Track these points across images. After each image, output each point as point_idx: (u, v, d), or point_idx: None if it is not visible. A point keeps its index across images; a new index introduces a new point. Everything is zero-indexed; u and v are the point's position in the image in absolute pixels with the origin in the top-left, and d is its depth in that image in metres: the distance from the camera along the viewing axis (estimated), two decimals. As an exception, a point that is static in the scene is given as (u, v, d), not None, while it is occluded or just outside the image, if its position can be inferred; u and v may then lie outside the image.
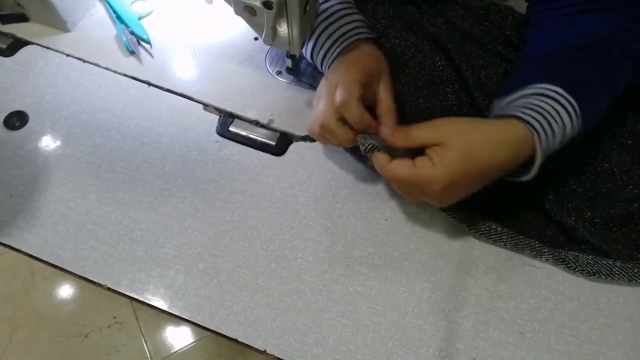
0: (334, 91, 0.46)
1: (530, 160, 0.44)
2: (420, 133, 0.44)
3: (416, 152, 0.44)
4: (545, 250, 0.50)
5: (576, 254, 0.50)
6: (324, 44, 0.51)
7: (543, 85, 0.44)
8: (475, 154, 0.42)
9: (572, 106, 0.43)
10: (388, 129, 0.45)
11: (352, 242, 0.52)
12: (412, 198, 0.48)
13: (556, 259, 0.50)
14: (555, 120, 0.43)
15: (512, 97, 0.46)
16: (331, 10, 0.51)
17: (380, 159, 0.45)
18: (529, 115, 0.43)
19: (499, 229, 0.50)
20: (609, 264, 0.49)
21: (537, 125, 0.42)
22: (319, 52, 0.51)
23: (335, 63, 0.49)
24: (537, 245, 0.50)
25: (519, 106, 0.44)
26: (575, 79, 0.46)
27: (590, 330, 0.48)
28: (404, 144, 0.44)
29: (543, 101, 0.44)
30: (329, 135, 0.48)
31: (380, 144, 0.45)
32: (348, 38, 0.50)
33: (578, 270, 0.49)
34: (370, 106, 0.48)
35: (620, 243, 0.50)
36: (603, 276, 0.49)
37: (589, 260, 0.49)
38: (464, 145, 0.42)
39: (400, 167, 0.43)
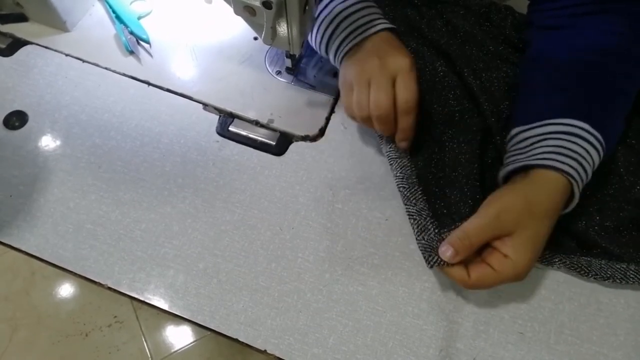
0: (388, 75, 0.46)
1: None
2: (481, 233, 0.43)
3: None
4: (557, 260, 0.49)
5: (589, 259, 0.49)
6: (344, 30, 0.50)
7: (568, 122, 0.45)
8: (542, 228, 0.43)
9: (599, 142, 0.45)
10: (451, 252, 0.43)
11: (352, 242, 0.52)
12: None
13: (568, 267, 0.49)
14: (587, 162, 0.44)
15: (537, 132, 0.46)
16: (347, 3, 0.50)
17: (458, 276, 0.44)
18: (565, 164, 0.43)
19: None
20: (622, 267, 0.48)
21: (574, 174, 0.43)
22: (336, 39, 0.50)
23: (371, 40, 0.48)
24: (547, 255, 0.49)
25: (549, 151, 0.44)
26: (595, 108, 0.46)
27: (590, 331, 0.48)
28: (470, 251, 0.43)
29: (573, 142, 0.44)
30: (388, 124, 0.47)
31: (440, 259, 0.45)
32: (374, 26, 0.49)
33: (592, 276, 0.49)
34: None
35: (631, 247, 0.49)
36: (617, 280, 0.48)
37: (602, 265, 0.49)
38: (531, 227, 0.42)
39: (484, 278, 0.43)
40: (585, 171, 0.44)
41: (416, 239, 0.47)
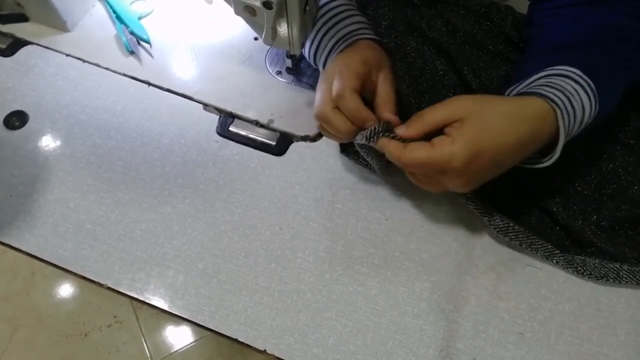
0: (331, 81, 0.46)
1: (547, 147, 0.43)
2: (436, 113, 0.42)
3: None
4: (558, 252, 0.50)
5: (583, 257, 0.50)
6: (327, 44, 0.50)
7: (560, 67, 0.43)
8: (496, 128, 0.40)
9: (590, 87, 0.42)
10: (402, 128, 0.43)
11: (352, 242, 0.52)
12: (433, 188, 0.45)
13: (567, 262, 0.49)
14: (575, 99, 0.41)
15: (529, 80, 0.45)
16: (334, 12, 0.51)
17: (393, 146, 0.42)
18: (550, 92, 0.41)
19: (517, 227, 0.50)
20: (616, 267, 0.49)
21: (558, 101, 0.41)
22: (322, 53, 0.51)
23: (335, 57, 0.49)
24: (549, 247, 0.50)
25: (537, 86, 0.43)
26: (589, 63, 0.44)
27: (590, 331, 0.48)
28: (421, 129, 0.42)
29: (562, 80, 0.42)
30: (327, 125, 0.46)
31: (382, 128, 0.43)
32: (351, 37, 0.49)
33: (586, 275, 0.49)
34: (370, 100, 0.48)
35: (626, 246, 0.50)
36: (611, 280, 0.48)
37: (596, 264, 0.49)
38: (484, 118, 0.40)
39: (418, 150, 0.41)
40: (572, 105, 0.41)
41: (359, 136, 0.45)
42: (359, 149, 0.50)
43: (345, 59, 0.47)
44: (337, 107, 0.46)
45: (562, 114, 0.41)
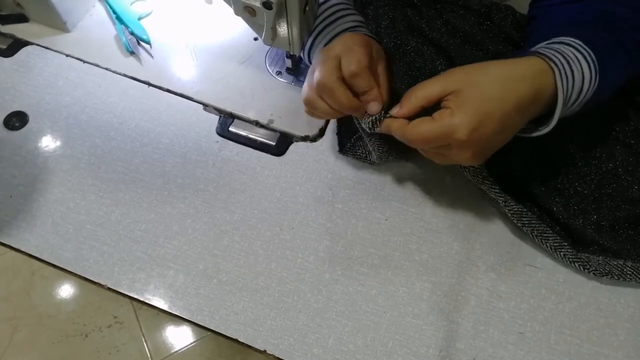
0: (334, 59, 0.44)
1: (542, 118, 0.42)
2: (427, 88, 0.41)
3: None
4: (566, 244, 0.50)
5: (587, 255, 0.50)
6: (321, 42, 0.50)
7: (561, 37, 0.42)
8: (494, 92, 0.38)
9: (591, 57, 0.41)
10: (396, 106, 0.42)
11: (352, 242, 0.52)
12: (442, 160, 0.44)
13: (574, 256, 0.50)
14: (575, 65, 0.40)
15: (528, 50, 0.44)
16: (330, 11, 0.51)
17: (396, 124, 0.42)
18: (548, 52, 0.40)
19: (530, 214, 0.50)
20: (619, 264, 0.49)
21: (557, 60, 0.39)
22: (315, 50, 0.51)
23: (333, 41, 0.48)
24: (559, 239, 0.50)
25: (537, 48, 0.42)
26: (590, 38, 0.43)
27: (590, 331, 0.48)
28: (414, 105, 0.41)
29: (562, 46, 0.41)
30: (328, 96, 0.45)
31: (384, 112, 0.44)
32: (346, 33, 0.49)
33: (592, 271, 0.49)
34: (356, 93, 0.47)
35: (628, 244, 0.50)
36: (615, 277, 0.49)
37: (600, 261, 0.49)
38: (479, 85, 0.39)
39: (420, 125, 0.40)
40: (572, 69, 0.40)
41: (361, 121, 0.45)
42: (364, 136, 0.50)
43: (351, 44, 0.45)
44: (339, 77, 0.44)
45: (559, 73, 0.39)
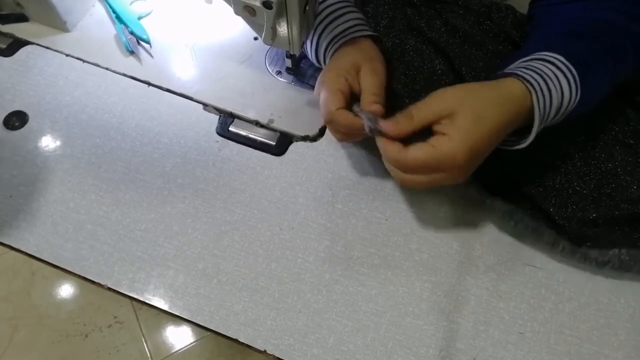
0: (327, 90, 0.46)
1: (523, 131, 0.43)
2: (425, 111, 0.42)
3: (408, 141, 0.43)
4: (563, 236, 0.50)
5: (584, 250, 0.50)
6: (323, 42, 0.51)
7: (543, 52, 0.44)
8: (486, 116, 0.40)
9: (572, 74, 0.43)
10: (390, 125, 0.43)
11: (352, 242, 0.52)
12: (427, 185, 0.44)
13: (571, 249, 0.50)
14: (554, 83, 0.42)
15: (512, 66, 0.45)
16: (330, 10, 0.51)
17: (392, 149, 0.42)
18: (526, 73, 0.42)
19: (521, 210, 0.50)
20: (615, 253, 0.49)
21: (534, 82, 0.41)
22: (321, 52, 0.52)
23: (328, 61, 0.49)
24: (554, 233, 0.50)
25: (517, 67, 0.44)
26: (574, 52, 0.44)
27: (590, 331, 0.48)
28: (411, 128, 0.42)
29: (541, 64, 0.43)
30: (336, 130, 0.47)
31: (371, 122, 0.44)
32: (345, 35, 0.49)
33: (591, 261, 0.50)
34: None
35: (622, 237, 0.50)
36: (615, 267, 0.49)
37: (597, 254, 0.50)
38: (473, 110, 0.41)
39: (419, 152, 0.41)
40: (549, 88, 0.41)
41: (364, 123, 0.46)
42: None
43: (332, 68, 0.48)
44: (339, 108, 0.46)
45: (536, 95, 0.41)
